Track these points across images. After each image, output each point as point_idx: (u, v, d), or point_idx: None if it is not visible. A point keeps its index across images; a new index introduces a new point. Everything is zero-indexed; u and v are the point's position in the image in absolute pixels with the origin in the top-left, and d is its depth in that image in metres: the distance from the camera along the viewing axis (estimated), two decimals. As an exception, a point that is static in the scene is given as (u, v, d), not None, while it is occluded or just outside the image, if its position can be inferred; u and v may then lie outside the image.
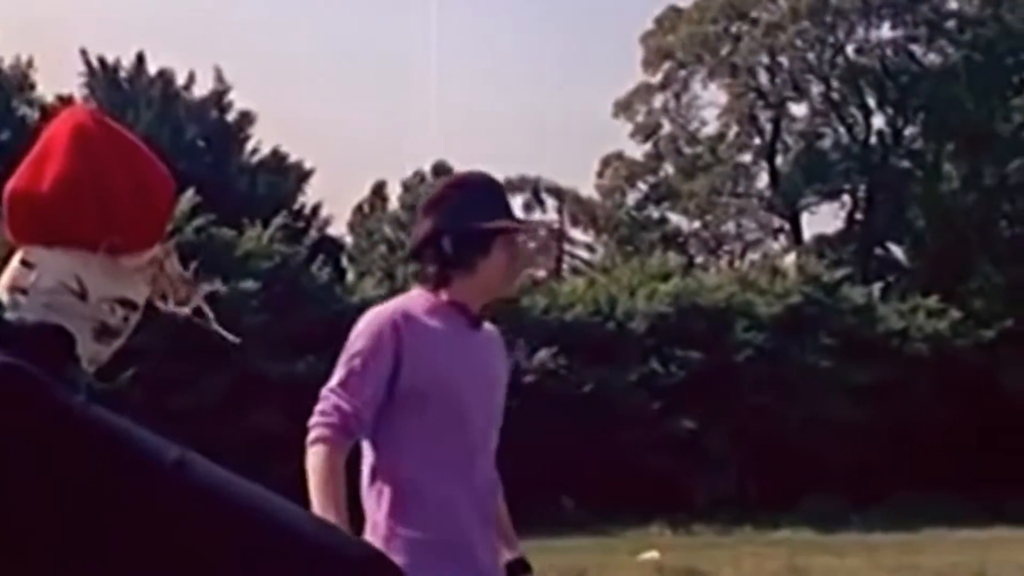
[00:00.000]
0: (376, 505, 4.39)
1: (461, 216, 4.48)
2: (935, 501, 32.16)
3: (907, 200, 47.08)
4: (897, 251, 48.96)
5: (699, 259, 50.36)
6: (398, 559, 3.79)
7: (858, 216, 49.22)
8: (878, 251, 48.44)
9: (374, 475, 4.41)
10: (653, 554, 20.66)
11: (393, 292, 17.06)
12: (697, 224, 52.48)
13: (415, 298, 4.51)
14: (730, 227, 52.56)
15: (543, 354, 32.65)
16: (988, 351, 38.48)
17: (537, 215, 54.00)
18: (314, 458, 4.24)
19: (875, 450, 34.01)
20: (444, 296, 4.47)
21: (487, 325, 4.65)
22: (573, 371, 32.91)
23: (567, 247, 54.48)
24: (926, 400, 35.33)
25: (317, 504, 4.08)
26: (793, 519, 30.04)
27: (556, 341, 33.12)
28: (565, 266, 51.87)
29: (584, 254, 54.15)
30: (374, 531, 4.34)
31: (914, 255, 47.38)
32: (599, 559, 19.16)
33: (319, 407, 4.32)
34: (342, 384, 4.32)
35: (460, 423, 4.39)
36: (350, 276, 38.22)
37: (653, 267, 39.03)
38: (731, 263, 49.25)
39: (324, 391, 4.35)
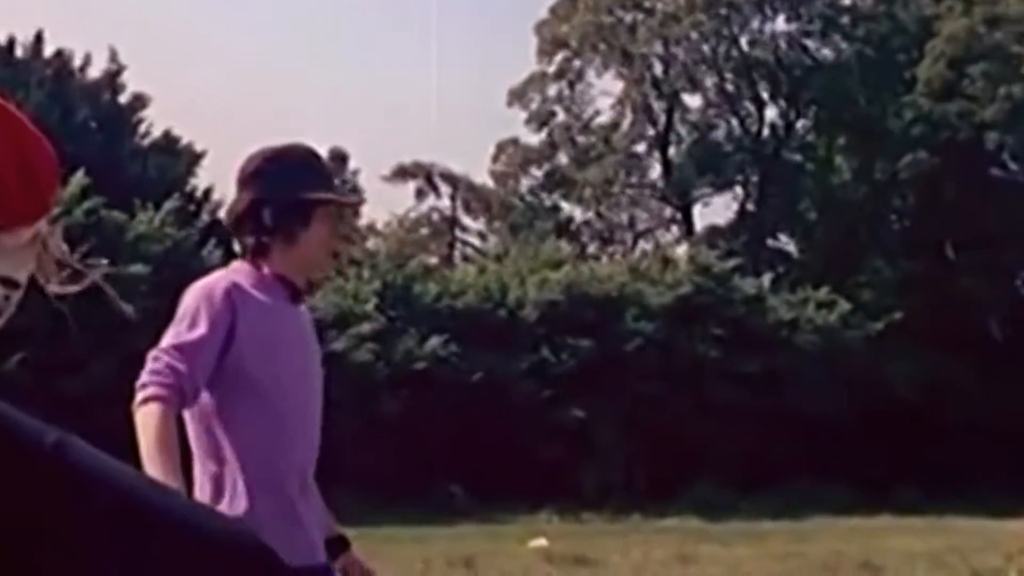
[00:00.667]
0: (204, 474, 4.33)
1: (281, 187, 4.44)
2: (822, 490, 32.51)
3: (798, 192, 47.47)
4: (788, 243, 49.41)
5: (591, 248, 50.51)
6: None
7: (750, 207, 49.56)
8: (769, 242, 48.81)
9: (201, 444, 4.35)
10: (541, 542, 20.66)
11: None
12: (590, 213, 52.60)
13: (239, 271, 4.46)
14: (623, 217, 52.72)
15: (434, 341, 32.60)
16: (876, 343, 38.88)
17: (430, 201, 53.95)
18: (149, 418, 4.10)
19: (763, 440, 34.28)
20: (265, 269, 4.42)
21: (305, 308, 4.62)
22: (464, 359, 32.87)
23: (459, 234, 54.43)
24: (814, 390, 35.62)
25: (154, 467, 3.94)
26: (681, 508, 30.20)
27: (447, 328, 33.08)
28: (457, 253, 51.81)
29: (476, 241, 54.13)
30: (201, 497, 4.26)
31: (805, 247, 47.81)
32: (488, 547, 19.14)
33: (151, 367, 4.20)
34: (177, 348, 4.22)
35: (286, 395, 4.36)
36: (241, 260, 37.95)
37: (545, 255, 39.06)
38: (623, 253, 49.40)
39: (155, 352, 4.24)
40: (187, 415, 4.36)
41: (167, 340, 4.28)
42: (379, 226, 50.80)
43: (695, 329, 36.04)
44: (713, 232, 49.62)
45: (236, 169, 4.61)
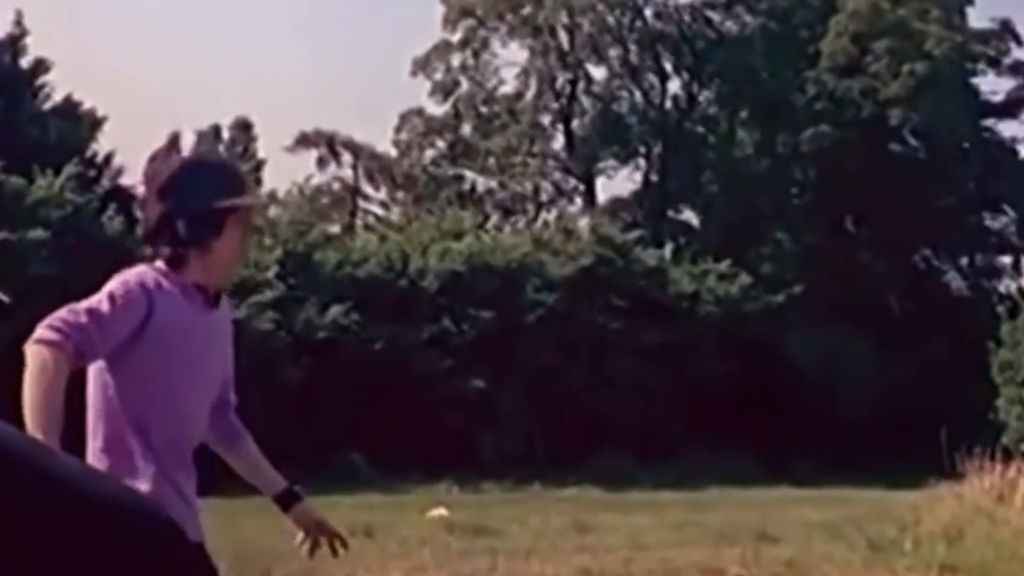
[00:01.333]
0: (96, 449, 4.43)
1: (193, 198, 4.50)
2: (721, 460, 32.73)
3: (701, 165, 47.67)
4: (690, 215, 49.62)
5: (494, 218, 50.45)
6: None
7: (652, 179, 49.70)
8: (671, 214, 49.00)
9: (98, 416, 4.44)
10: (441, 511, 20.65)
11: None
12: (493, 183, 52.54)
13: (163, 272, 4.49)
14: (526, 187, 52.68)
15: (335, 310, 32.49)
16: (776, 315, 39.18)
17: (332, 170, 53.66)
18: (41, 361, 4.15)
19: (663, 410, 34.48)
20: (184, 276, 4.50)
21: (223, 302, 4.70)
22: (365, 328, 32.77)
23: (362, 203, 54.19)
24: (714, 362, 35.87)
25: (35, 410, 4.03)
26: (581, 477, 30.27)
27: (348, 297, 32.97)
28: (359, 222, 51.55)
29: (378, 210, 53.92)
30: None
31: (707, 219, 48.02)
32: (388, 516, 19.11)
33: (61, 315, 4.23)
34: (89, 311, 4.26)
35: (179, 394, 4.47)
36: (142, 227, 37.54)
37: (447, 225, 39.00)
38: (526, 223, 49.41)
39: (70, 306, 4.26)
40: (89, 388, 4.44)
41: (86, 302, 4.31)
42: (280, 195, 50.55)
43: (596, 300, 36.15)
44: (616, 203, 49.78)
45: (147, 178, 4.66)
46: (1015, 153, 47.93)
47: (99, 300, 4.30)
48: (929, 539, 16.32)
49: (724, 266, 39.67)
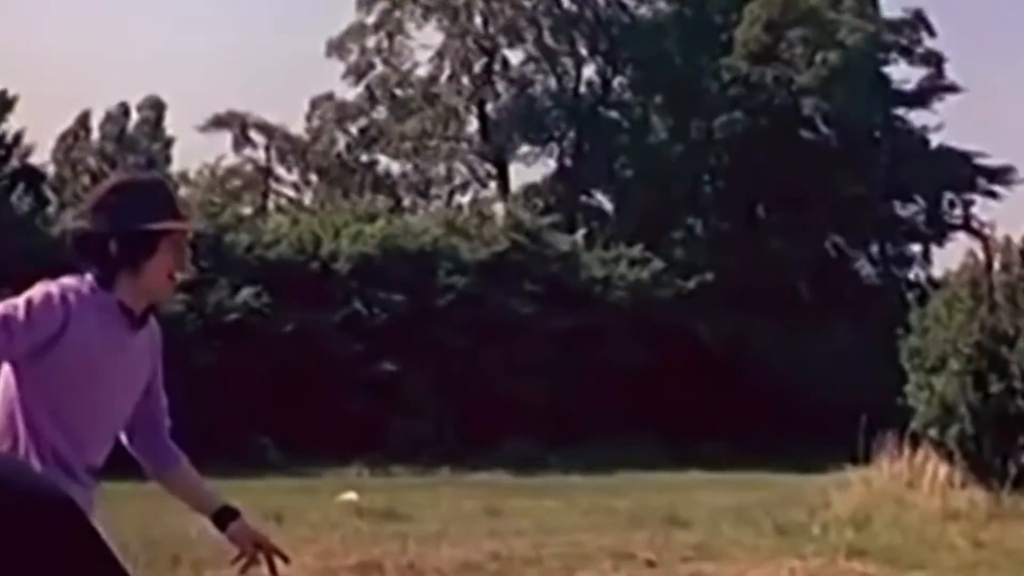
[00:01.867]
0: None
1: (127, 219, 4.47)
2: (631, 445, 32.82)
3: (615, 151, 47.75)
4: (603, 200, 49.68)
5: (407, 202, 50.32)
6: None
7: (566, 164, 49.73)
8: (584, 200, 49.04)
9: (4, 433, 4.40)
10: (351, 496, 20.57)
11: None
12: (407, 166, 52.42)
13: (90, 288, 4.47)
14: (440, 171, 52.57)
15: (246, 292, 32.28)
16: (687, 301, 39.34)
17: (245, 152, 53.28)
18: None
19: (574, 395, 34.53)
20: (111, 295, 4.48)
21: (150, 322, 4.66)
22: (276, 310, 32.57)
23: (274, 185, 53.88)
24: (625, 347, 35.96)
25: None
26: (492, 461, 30.25)
27: (259, 280, 32.76)
28: (271, 204, 51.25)
29: (291, 193, 53.63)
30: None
31: (620, 205, 48.10)
32: (298, 501, 19.00)
33: None
34: (7, 316, 4.26)
35: (95, 407, 4.46)
36: (52, 206, 37.13)
37: (360, 208, 38.84)
38: (440, 208, 49.29)
39: None
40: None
41: (8, 301, 4.30)
42: (192, 176, 50.10)
43: (509, 285, 36.13)
44: (529, 188, 49.75)
45: (84, 194, 4.69)
46: (926, 142, 48.35)
47: (15, 305, 4.27)
48: (837, 523, 16.43)
49: (636, 251, 39.79)
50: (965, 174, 47.90)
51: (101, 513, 4.44)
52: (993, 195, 48.04)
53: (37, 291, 4.37)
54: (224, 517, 4.87)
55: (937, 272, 41.19)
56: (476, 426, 32.35)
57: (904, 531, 15.85)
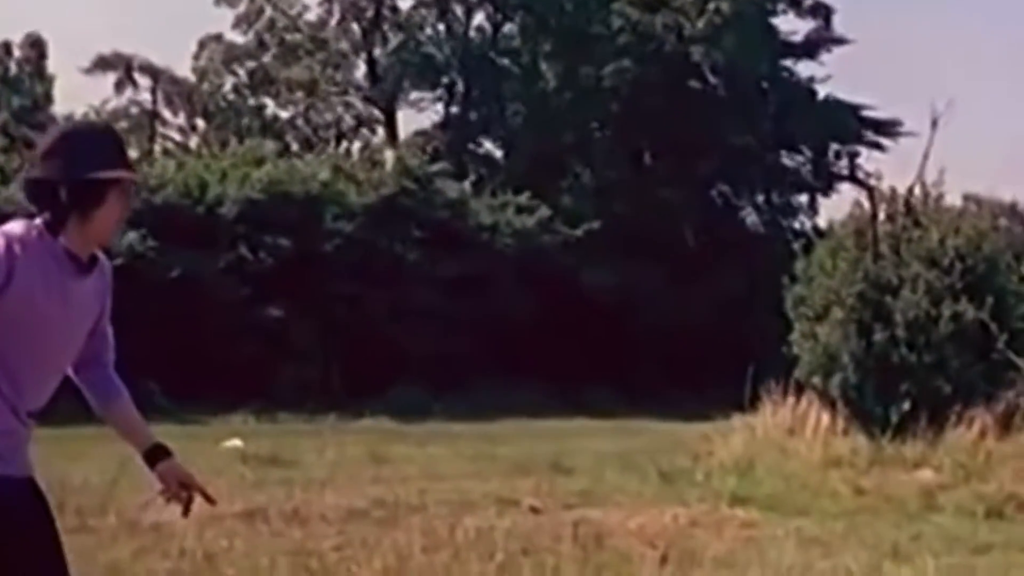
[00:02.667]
0: None
1: (77, 167, 4.54)
2: (517, 392, 32.91)
3: (504, 97, 47.61)
4: (492, 148, 49.56)
5: (295, 147, 49.93)
6: None
7: (455, 111, 49.53)
8: (473, 147, 48.89)
9: None
10: (236, 442, 20.46)
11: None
12: (294, 112, 52.02)
13: (38, 233, 4.54)
14: (328, 117, 52.23)
15: (131, 236, 31.86)
16: (574, 248, 39.40)
17: (129, 94, 52.60)
18: None
19: (460, 342, 34.53)
20: (59, 240, 4.56)
21: (100, 262, 4.78)
22: (162, 254, 32.20)
23: (160, 128, 53.26)
24: (511, 294, 36.00)
25: None
26: (377, 408, 30.20)
27: (144, 223, 32.35)
28: (157, 148, 50.63)
29: (177, 136, 53.05)
30: None
31: (509, 152, 48.00)
32: (183, 446, 18.77)
33: None
34: None
35: (35, 354, 4.55)
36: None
37: (247, 152, 38.48)
38: (328, 153, 48.94)
39: None
40: None
41: None
42: (76, 118, 49.35)
43: (396, 231, 35.99)
44: (418, 134, 49.50)
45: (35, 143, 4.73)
46: (813, 94, 48.64)
47: None
48: (720, 471, 16.57)
49: (523, 199, 39.79)
50: (851, 126, 48.30)
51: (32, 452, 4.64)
52: (879, 147, 48.51)
53: None
54: (156, 455, 5.01)
55: (822, 222, 41.56)
56: (362, 373, 32.26)
57: (786, 478, 16.00)
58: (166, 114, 53.55)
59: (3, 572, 4.54)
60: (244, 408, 29.21)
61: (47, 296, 4.50)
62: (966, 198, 36.32)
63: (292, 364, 32.51)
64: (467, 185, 40.54)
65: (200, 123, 52.88)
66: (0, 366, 4.48)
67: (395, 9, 50.17)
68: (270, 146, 41.30)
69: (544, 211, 39.63)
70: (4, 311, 4.41)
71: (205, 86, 51.79)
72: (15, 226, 4.53)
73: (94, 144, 4.66)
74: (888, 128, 48.31)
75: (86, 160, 4.56)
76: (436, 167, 39.75)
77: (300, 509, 12.67)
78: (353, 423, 28.19)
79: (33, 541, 4.70)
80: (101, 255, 4.80)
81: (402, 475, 16.84)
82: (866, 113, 48.29)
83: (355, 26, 50.34)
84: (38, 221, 4.55)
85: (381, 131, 51.30)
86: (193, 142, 51.12)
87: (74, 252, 4.59)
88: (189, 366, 29.45)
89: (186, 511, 5.10)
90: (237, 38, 51.00)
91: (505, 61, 49.15)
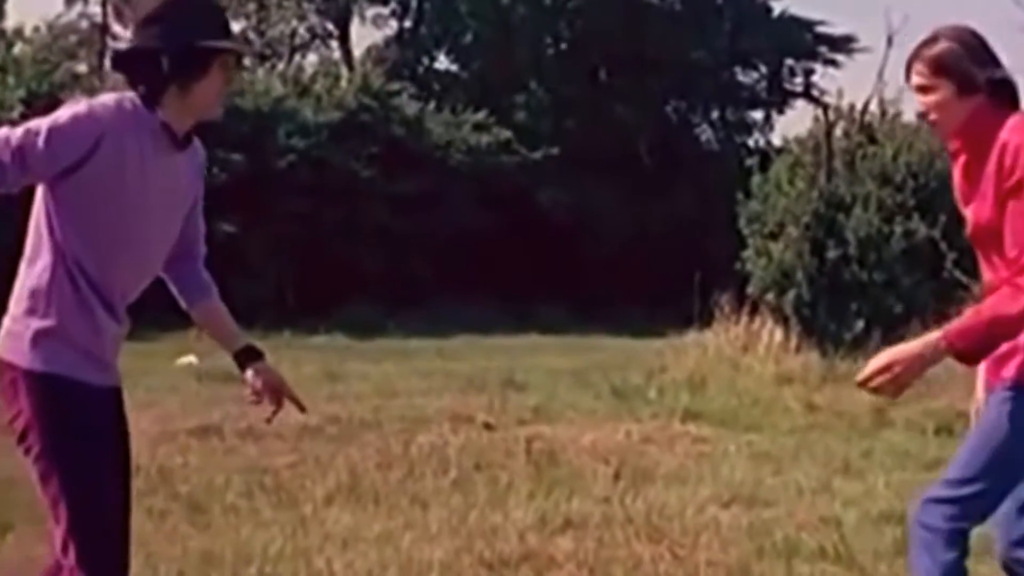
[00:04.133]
0: (24, 284, 4.42)
1: (180, 35, 4.39)
2: (470, 309, 32.94)
3: (459, 12, 47.24)
4: (447, 63, 49.22)
5: (247, 62, 49.50)
6: (35, 330, 4.30)
7: (408, 25, 49.15)
8: (428, 63, 48.58)
9: (32, 247, 4.42)
10: (191, 359, 20.39)
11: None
12: (246, 24, 51.56)
13: (128, 106, 4.37)
14: (281, 30, 51.77)
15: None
16: (529, 166, 39.38)
17: (78, 8, 52.06)
18: None
19: (414, 259, 34.54)
20: (155, 115, 4.42)
21: (195, 141, 4.65)
22: (113, 170, 31.99)
23: (110, 43, 52.71)
24: (465, 212, 35.97)
25: None
26: (331, 325, 30.16)
27: (96, 138, 32.15)
28: (107, 62, 50.08)
29: (128, 50, 52.44)
30: (19, 302, 4.41)
31: (463, 69, 47.71)
32: (138, 364, 18.74)
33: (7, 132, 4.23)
34: (29, 138, 4.22)
35: (130, 238, 4.42)
36: None
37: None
38: (282, 68, 48.56)
39: (20, 127, 4.25)
40: (34, 210, 4.41)
41: (26, 124, 4.27)
42: (27, 32, 48.85)
43: (351, 147, 35.83)
44: (372, 49, 49.17)
45: (135, 10, 4.60)
46: (768, 10, 48.51)
47: (37, 130, 4.22)
48: (673, 387, 16.64)
49: (480, 116, 39.68)
50: (807, 42, 48.25)
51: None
52: (834, 63, 48.50)
53: (64, 113, 4.29)
54: (246, 357, 4.93)
55: (777, 140, 41.60)
56: (316, 290, 32.21)
57: (739, 395, 16.09)
58: (116, 28, 53.05)
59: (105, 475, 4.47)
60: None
61: (140, 168, 4.36)
62: (921, 116, 36.47)
63: (245, 280, 32.37)
64: (423, 102, 40.30)
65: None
66: (91, 251, 4.34)
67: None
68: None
69: (499, 129, 39.54)
70: (92, 187, 4.28)
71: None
72: (106, 97, 4.40)
73: (201, 12, 4.52)
74: (843, 44, 48.26)
75: (192, 28, 4.42)
76: (393, 85, 39.52)
77: (254, 426, 12.68)
78: (307, 340, 28.18)
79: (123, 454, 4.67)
80: (196, 141, 4.66)
81: (356, 392, 16.87)
82: (821, 29, 48.25)
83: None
84: (131, 94, 4.41)
85: (334, 45, 50.96)
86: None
87: (171, 126, 4.46)
88: (141, 283, 29.32)
89: (271, 417, 5.01)
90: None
91: (459, -25, 48.77)
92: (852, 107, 21.93)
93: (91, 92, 33.84)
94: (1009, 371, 4.82)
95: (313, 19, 51.34)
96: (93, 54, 49.95)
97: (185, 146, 4.55)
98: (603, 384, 17.00)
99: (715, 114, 49.05)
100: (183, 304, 4.93)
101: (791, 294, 19.82)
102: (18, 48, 38.13)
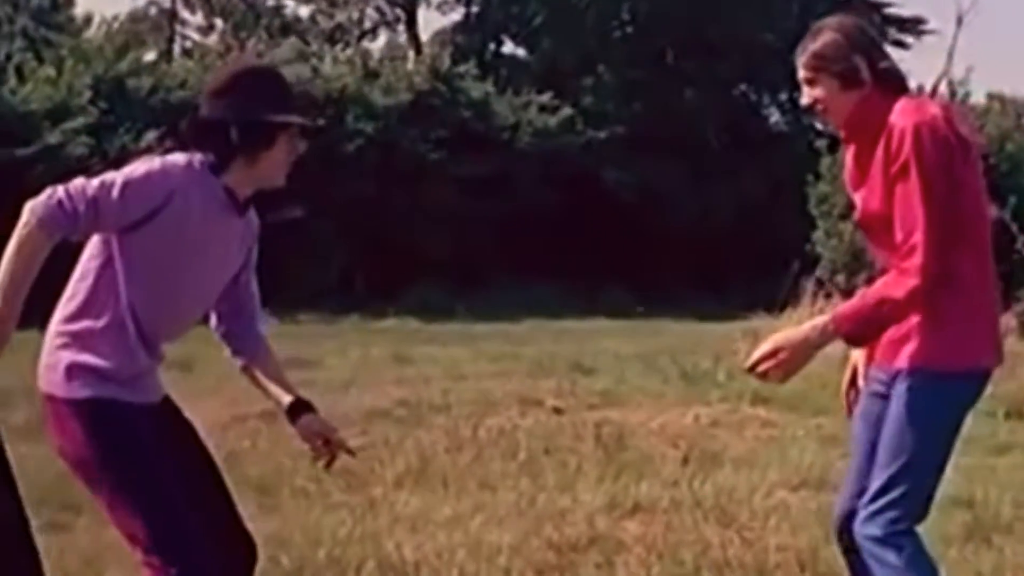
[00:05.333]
0: (70, 321, 4.50)
1: (249, 108, 4.54)
2: (537, 293, 32.94)
3: (525, -3, 47.22)
4: (514, 47, 49.18)
5: (315, 47, 49.69)
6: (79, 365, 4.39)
7: (475, 9, 49.14)
8: (494, 46, 48.57)
9: (83, 277, 4.50)
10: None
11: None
12: (314, 10, 51.75)
13: (198, 167, 4.53)
14: (349, 15, 51.91)
15: (150, 136, 31.77)
16: (596, 148, 39.32)
17: (149, -6, 52.35)
18: (28, 231, 4.26)
19: (482, 243, 34.55)
20: (219, 180, 4.55)
21: (250, 212, 4.76)
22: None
23: (179, 29, 53.04)
24: (532, 195, 35.94)
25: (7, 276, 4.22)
26: (399, 309, 30.23)
27: (163, 123, 32.21)
28: (176, 48, 50.44)
29: (197, 36, 52.84)
30: (59, 337, 4.50)
31: (530, 52, 47.65)
32: (205, 349, 18.91)
33: (74, 187, 4.33)
34: (103, 191, 4.34)
35: (181, 290, 4.55)
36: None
37: (269, 52, 38.30)
38: (349, 52, 48.66)
39: (89, 181, 4.36)
40: (86, 251, 4.51)
41: (101, 177, 4.39)
42: (96, 18, 49.22)
43: (419, 131, 35.89)
44: (440, 33, 49.22)
45: (208, 82, 4.75)
46: (836, -9, 48.19)
47: (111, 184, 4.36)
48: (742, 370, 16.53)
49: (546, 98, 39.64)
50: (875, 23, 47.88)
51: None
52: (902, 45, 48.13)
53: (138, 169, 4.43)
54: (297, 410, 5.00)
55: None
56: (383, 273, 32.30)
57: (807, 378, 15.87)
58: (185, 14, 53.35)
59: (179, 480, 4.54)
60: (265, 308, 29.16)
61: (203, 226, 4.49)
62: (991, 97, 36.13)
63: (313, 264, 32.54)
64: (489, 85, 40.34)
65: (219, 23, 52.66)
66: (144, 300, 4.46)
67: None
68: (291, 46, 41.08)
69: (566, 111, 39.47)
70: (156, 240, 4.41)
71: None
72: (179, 157, 4.51)
73: (268, 85, 4.64)
74: (911, 26, 47.95)
75: (260, 101, 4.55)
76: (460, 68, 39.56)
77: (323, 410, 12.67)
78: (375, 323, 28.25)
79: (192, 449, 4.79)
80: (251, 210, 4.76)
81: (425, 375, 16.89)
82: (889, 11, 47.92)
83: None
84: (200, 156, 4.53)
85: (401, 29, 51.05)
86: (212, 41, 50.91)
87: (234, 192, 4.58)
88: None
89: (328, 465, 5.10)
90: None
91: (526, -40, 48.70)
92: (921, 88, 21.76)
93: (159, 78, 34.21)
94: (902, 361, 4.82)
95: (381, 3, 51.43)
96: (162, 40, 50.26)
97: (244, 212, 4.69)
98: (671, 368, 16.94)
99: (783, 96, 48.75)
100: (231, 354, 5.02)
101: (862, 276, 19.70)
102: (88, 34, 38.37)
